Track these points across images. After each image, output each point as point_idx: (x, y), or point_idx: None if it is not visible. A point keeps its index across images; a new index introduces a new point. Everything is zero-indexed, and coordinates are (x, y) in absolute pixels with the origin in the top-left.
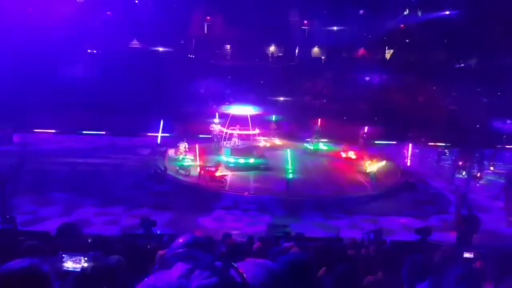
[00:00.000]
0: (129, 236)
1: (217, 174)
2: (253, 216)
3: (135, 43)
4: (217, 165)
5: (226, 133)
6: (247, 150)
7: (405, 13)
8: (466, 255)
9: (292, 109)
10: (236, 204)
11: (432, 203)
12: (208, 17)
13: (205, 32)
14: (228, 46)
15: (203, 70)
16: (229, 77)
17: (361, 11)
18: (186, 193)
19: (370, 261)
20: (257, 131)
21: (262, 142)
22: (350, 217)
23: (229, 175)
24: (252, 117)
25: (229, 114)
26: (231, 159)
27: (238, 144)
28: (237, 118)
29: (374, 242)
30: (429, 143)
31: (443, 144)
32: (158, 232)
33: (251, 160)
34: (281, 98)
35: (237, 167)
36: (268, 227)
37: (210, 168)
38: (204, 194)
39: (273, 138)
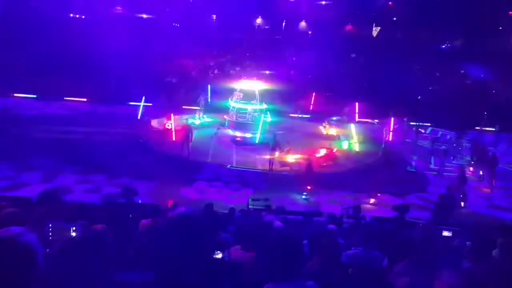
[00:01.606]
0: (112, 205)
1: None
2: (235, 189)
3: (118, 9)
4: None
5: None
6: (252, 125)
7: None
8: (445, 233)
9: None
10: (218, 176)
11: (410, 181)
12: None
13: (191, 0)
14: (214, 16)
15: (188, 39)
16: (215, 48)
17: None
18: (168, 164)
19: (349, 236)
20: (265, 105)
21: (270, 118)
22: (330, 193)
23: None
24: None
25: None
26: (237, 133)
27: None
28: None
29: (353, 217)
30: (411, 122)
31: (424, 123)
32: (140, 202)
33: (257, 135)
34: (267, 72)
35: (243, 142)
36: (250, 200)
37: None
38: (186, 165)
39: None
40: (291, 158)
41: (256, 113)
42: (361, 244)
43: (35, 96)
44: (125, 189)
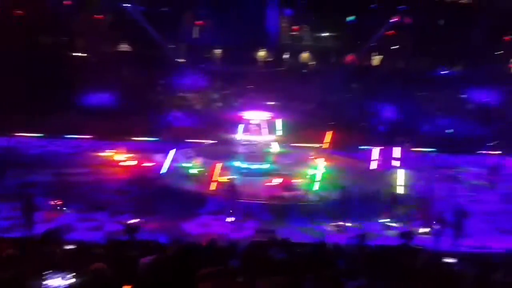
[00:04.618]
0: (113, 243)
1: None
2: (239, 221)
3: (124, 47)
4: None
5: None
6: (260, 156)
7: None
8: (447, 259)
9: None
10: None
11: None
12: (198, 22)
13: (194, 37)
14: (217, 51)
15: (193, 75)
16: (219, 82)
17: (350, 18)
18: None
19: (353, 266)
20: (272, 137)
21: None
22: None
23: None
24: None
25: (243, 119)
26: (244, 165)
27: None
28: None
29: (358, 246)
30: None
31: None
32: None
33: (265, 166)
34: (272, 103)
35: (249, 173)
36: (255, 232)
37: None
38: (188, 199)
39: None
40: None
41: (265, 144)
42: (365, 273)
43: (37, 134)
44: (127, 226)
